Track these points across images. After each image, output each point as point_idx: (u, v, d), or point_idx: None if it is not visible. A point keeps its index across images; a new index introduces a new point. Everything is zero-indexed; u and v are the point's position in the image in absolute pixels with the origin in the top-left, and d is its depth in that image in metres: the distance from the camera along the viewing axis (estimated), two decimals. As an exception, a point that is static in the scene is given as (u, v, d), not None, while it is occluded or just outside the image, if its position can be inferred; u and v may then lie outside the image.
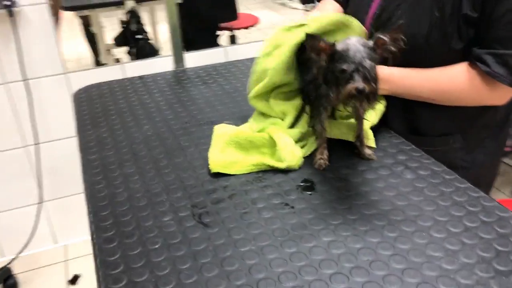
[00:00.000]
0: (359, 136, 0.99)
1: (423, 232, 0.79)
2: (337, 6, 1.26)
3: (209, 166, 0.98)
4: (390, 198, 0.87)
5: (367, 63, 0.79)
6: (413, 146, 1.04)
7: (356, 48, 0.80)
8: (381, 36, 0.81)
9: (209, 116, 1.22)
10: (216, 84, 1.42)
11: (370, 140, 1.02)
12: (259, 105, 1.09)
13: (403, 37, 0.81)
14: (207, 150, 1.05)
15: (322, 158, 0.98)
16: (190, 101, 1.31)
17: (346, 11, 1.21)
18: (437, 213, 0.83)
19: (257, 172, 0.98)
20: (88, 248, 0.89)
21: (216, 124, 1.16)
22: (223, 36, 2.68)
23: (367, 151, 0.98)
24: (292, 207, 0.87)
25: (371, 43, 0.82)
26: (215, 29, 2.67)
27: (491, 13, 0.92)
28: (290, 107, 1.06)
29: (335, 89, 0.83)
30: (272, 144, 1.00)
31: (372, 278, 0.71)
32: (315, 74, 0.88)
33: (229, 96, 1.33)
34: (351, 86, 0.80)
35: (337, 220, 0.83)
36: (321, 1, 1.32)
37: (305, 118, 1.04)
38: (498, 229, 0.79)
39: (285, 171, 0.97)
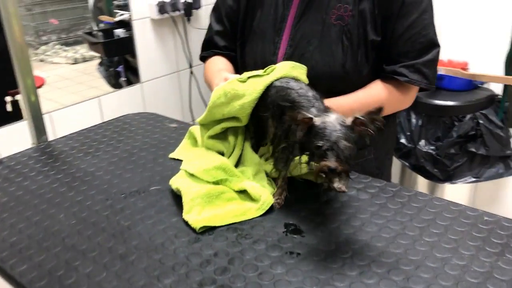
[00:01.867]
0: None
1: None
2: (225, 60, 1.28)
3: (193, 226, 0.90)
4: (372, 220, 0.93)
5: (342, 143, 0.80)
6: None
7: (333, 126, 0.81)
8: (359, 117, 0.81)
9: (124, 186, 1.08)
10: (102, 152, 1.26)
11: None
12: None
13: (382, 119, 0.80)
14: (159, 222, 0.94)
15: (280, 199, 0.98)
16: (88, 176, 1.13)
17: (245, 57, 1.23)
18: (411, 222, 0.92)
19: (234, 230, 0.91)
20: None
21: (141, 193, 1.05)
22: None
23: (337, 185, 1.01)
24: (299, 254, 0.84)
25: (349, 121, 0.82)
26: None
27: (393, 33, 1.08)
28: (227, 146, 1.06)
29: (309, 159, 0.86)
30: (240, 193, 0.98)
31: None
32: (293, 139, 0.86)
33: (128, 161, 1.20)
34: (323, 164, 0.80)
35: (348, 252, 0.84)
36: (208, 61, 1.32)
37: (251, 161, 1.04)
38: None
39: (260, 221, 0.93)
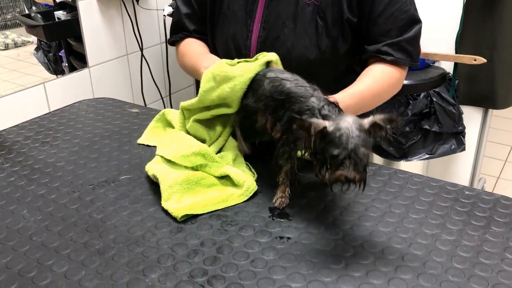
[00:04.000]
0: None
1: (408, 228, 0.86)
2: (202, 43, 1.22)
3: (174, 214, 0.85)
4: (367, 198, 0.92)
5: (361, 151, 0.72)
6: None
7: (349, 132, 0.73)
8: (378, 122, 0.74)
9: (91, 177, 1.00)
10: (60, 141, 1.16)
11: None
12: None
13: (400, 120, 0.74)
14: (135, 213, 0.88)
15: (284, 197, 0.90)
16: (49, 167, 1.05)
17: (216, 40, 1.17)
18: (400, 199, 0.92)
19: (218, 217, 0.87)
20: None
21: (111, 183, 0.98)
22: None
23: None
24: (289, 238, 0.81)
25: (367, 125, 0.74)
26: None
27: (370, 13, 1.04)
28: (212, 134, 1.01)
29: (323, 168, 0.77)
30: (221, 179, 0.94)
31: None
32: (303, 147, 0.79)
33: (91, 149, 1.12)
34: (340, 173, 0.73)
35: (338, 234, 0.82)
36: (181, 44, 1.24)
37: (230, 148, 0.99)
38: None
39: (243, 207, 0.89)
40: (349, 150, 0.72)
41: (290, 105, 0.84)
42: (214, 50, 1.19)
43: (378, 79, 1.07)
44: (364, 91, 1.04)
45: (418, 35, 1.09)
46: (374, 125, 0.74)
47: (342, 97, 0.97)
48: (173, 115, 1.10)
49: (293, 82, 0.86)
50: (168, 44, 1.31)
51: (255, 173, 0.97)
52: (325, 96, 0.84)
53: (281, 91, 0.86)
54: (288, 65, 0.99)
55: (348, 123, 0.74)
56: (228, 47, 1.13)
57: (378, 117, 0.74)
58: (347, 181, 0.74)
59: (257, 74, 0.92)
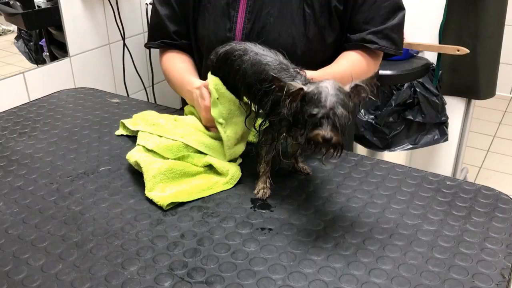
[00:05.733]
0: (294, 155, 0.95)
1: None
2: (183, 57, 1.19)
3: (160, 203, 0.84)
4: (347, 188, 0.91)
5: (339, 111, 0.72)
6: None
7: (328, 91, 0.73)
8: (360, 84, 0.74)
9: (69, 168, 0.99)
10: (39, 132, 1.14)
11: None
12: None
13: (377, 83, 0.75)
14: (114, 205, 0.87)
15: (265, 187, 0.89)
16: (26, 159, 1.02)
17: (199, 36, 1.14)
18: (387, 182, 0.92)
19: (199, 209, 0.86)
20: None
21: (90, 174, 0.96)
22: None
23: (302, 165, 0.96)
24: (270, 229, 0.81)
25: (347, 89, 0.75)
26: None
27: (355, 1, 1.03)
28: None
29: (302, 131, 0.76)
30: (205, 168, 0.93)
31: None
32: (285, 113, 0.77)
33: (70, 140, 1.10)
34: (317, 132, 0.73)
35: (320, 225, 0.82)
36: (163, 59, 1.20)
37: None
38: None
39: (225, 198, 0.88)
40: (327, 109, 0.72)
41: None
42: (196, 43, 1.16)
43: (355, 64, 1.06)
44: (342, 73, 1.02)
45: (402, 23, 1.09)
46: (354, 88, 0.75)
47: (322, 74, 0.97)
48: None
49: (275, 67, 0.84)
50: (145, 47, 1.26)
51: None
52: (308, 78, 0.83)
53: (263, 78, 0.84)
54: None
55: (328, 84, 0.74)
56: (210, 41, 1.10)
57: (357, 81, 0.75)
58: (324, 141, 0.73)
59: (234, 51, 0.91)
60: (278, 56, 0.87)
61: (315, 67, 1.05)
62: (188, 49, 1.19)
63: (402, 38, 1.10)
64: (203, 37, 1.12)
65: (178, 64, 1.16)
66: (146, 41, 1.23)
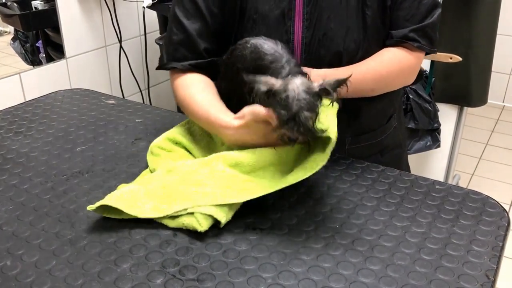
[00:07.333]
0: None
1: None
2: (205, 78, 1.04)
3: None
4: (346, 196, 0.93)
5: (304, 114, 0.75)
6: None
7: (295, 94, 0.75)
8: (328, 88, 0.76)
9: (65, 167, 1.00)
10: (34, 131, 1.15)
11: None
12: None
13: (347, 82, 0.77)
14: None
15: None
16: (22, 157, 1.03)
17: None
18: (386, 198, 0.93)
19: (191, 208, 0.87)
20: None
21: (85, 173, 0.98)
22: None
23: None
24: (262, 229, 0.82)
25: (316, 88, 0.77)
26: None
27: None
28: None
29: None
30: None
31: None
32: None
33: (65, 140, 1.11)
34: (283, 132, 0.78)
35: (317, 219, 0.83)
36: (179, 86, 1.03)
37: None
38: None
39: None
40: (292, 112, 0.75)
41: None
42: None
43: (384, 62, 1.03)
44: (363, 71, 1.00)
45: (438, 21, 1.05)
46: (323, 89, 0.77)
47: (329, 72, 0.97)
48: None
49: (271, 55, 0.86)
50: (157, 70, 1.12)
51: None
52: (300, 71, 0.85)
53: (257, 65, 0.86)
54: (338, 64, 0.99)
55: (296, 85, 0.76)
56: None
57: (327, 83, 0.77)
58: (290, 140, 0.79)
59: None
60: (277, 46, 0.88)
61: None
62: (208, 67, 1.04)
63: (437, 37, 1.07)
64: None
65: (200, 94, 0.99)
66: (142, 45, 1.21)
